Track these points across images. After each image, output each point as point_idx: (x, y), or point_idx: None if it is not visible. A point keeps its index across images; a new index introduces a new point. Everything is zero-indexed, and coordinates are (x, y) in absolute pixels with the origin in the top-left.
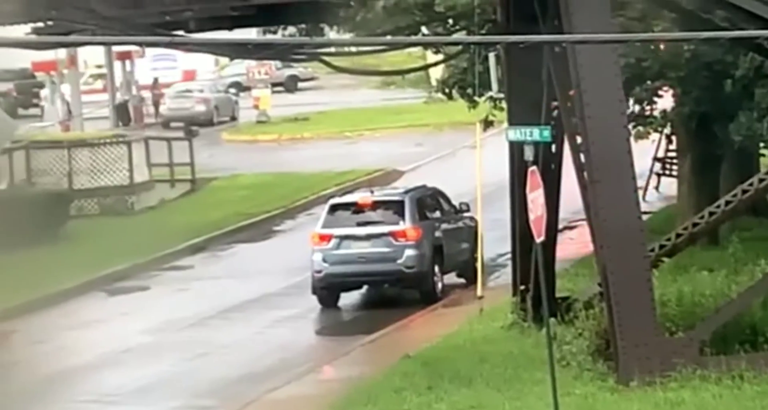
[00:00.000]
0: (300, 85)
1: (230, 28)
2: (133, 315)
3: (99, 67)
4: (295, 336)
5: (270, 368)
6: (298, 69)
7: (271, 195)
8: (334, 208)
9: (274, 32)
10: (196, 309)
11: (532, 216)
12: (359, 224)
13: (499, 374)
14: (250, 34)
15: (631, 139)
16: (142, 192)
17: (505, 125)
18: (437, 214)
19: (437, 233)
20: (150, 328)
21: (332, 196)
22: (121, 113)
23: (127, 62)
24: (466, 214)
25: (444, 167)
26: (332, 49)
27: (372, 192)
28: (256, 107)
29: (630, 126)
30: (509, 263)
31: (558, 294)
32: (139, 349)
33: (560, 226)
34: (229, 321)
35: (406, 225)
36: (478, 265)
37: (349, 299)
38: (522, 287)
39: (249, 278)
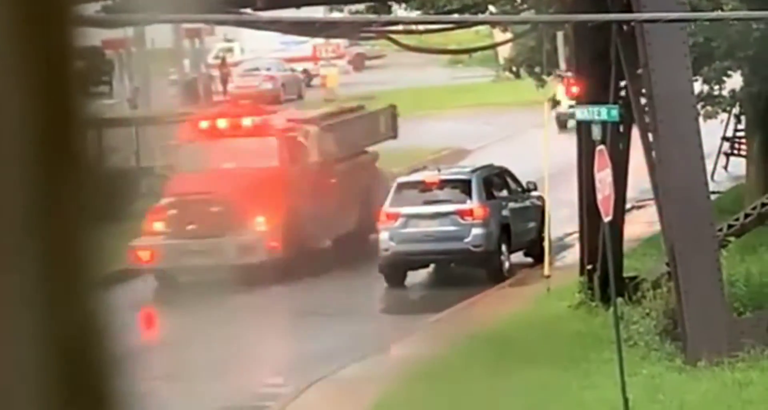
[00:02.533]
0: (367, 63)
1: (297, 7)
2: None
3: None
4: (362, 314)
5: (336, 346)
6: (365, 47)
7: None
8: (401, 187)
9: (341, 10)
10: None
11: (599, 196)
12: (426, 203)
13: (567, 353)
14: (317, 12)
15: (700, 118)
16: None
17: (573, 103)
18: (504, 193)
19: (504, 212)
20: (213, 304)
21: (399, 175)
22: (190, 91)
23: (196, 40)
24: (533, 193)
25: (511, 146)
26: (399, 28)
27: (439, 171)
28: (323, 85)
29: (698, 106)
30: (576, 242)
31: (625, 274)
32: (204, 325)
33: (628, 205)
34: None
35: (473, 204)
36: (546, 244)
37: (415, 277)
38: (589, 267)
39: (314, 257)
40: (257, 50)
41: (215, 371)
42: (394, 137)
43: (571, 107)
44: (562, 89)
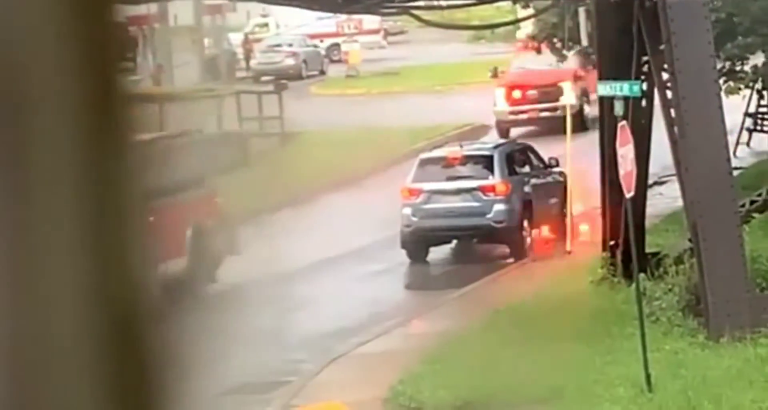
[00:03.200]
0: (389, 39)
1: None
2: (219, 268)
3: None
4: (385, 290)
5: (359, 322)
6: (387, 23)
7: (360, 149)
8: (423, 162)
9: None
10: (284, 263)
11: (621, 171)
12: (448, 179)
13: (589, 329)
14: None
15: (722, 94)
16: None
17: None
18: (526, 169)
19: (526, 188)
20: (237, 282)
21: (421, 150)
22: (211, 67)
23: (218, 17)
24: (555, 169)
25: None
26: (421, 3)
27: (461, 147)
28: (345, 61)
29: (721, 81)
30: (599, 218)
31: (648, 250)
32: (227, 301)
33: (650, 181)
34: (318, 275)
35: (495, 180)
36: (568, 220)
37: (438, 253)
38: (611, 243)
39: (338, 233)
40: (291, 25)
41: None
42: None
43: (511, 113)
44: (501, 93)
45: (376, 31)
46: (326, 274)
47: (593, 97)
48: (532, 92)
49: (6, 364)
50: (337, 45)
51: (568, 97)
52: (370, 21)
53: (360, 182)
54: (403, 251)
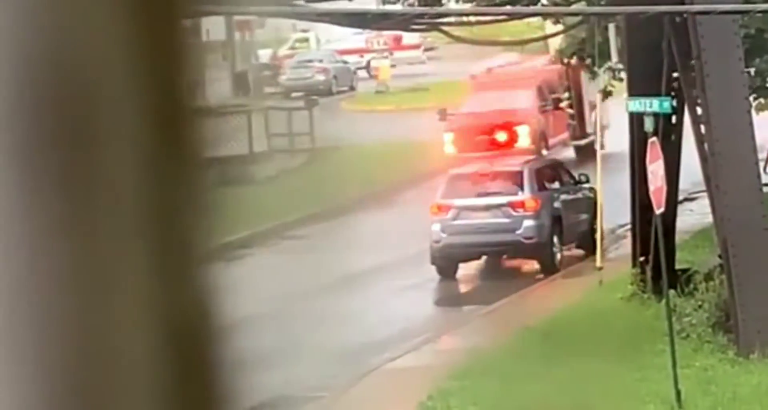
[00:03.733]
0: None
1: None
2: (250, 283)
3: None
4: (414, 305)
5: (389, 337)
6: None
7: (389, 165)
8: (453, 178)
9: (394, 2)
10: (314, 278)
11: (652, 187)
12: (478, 195)
13: (619, 345)
14: (370, 4)
15: (752, 111)
16: (262, 162)
17: (625, 95)
18: (556, 184)
19: (556, 204)
20: (267, 297)
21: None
22: (240, 82)
23: (247, 32)
24: (585, 185)
25: None
26: (451, 19)
27: (491, 163)
28: (375, 77)
29: (751, 98)
30: (629, 234)
31: (678, 266)
32: (257, 318)
33: (680, 197)
34: (347, 291)
35: (525, 196)
36: (598, 236)
37: (467, 269)
38: (642, 259)
39: (368, 248)
40: (332, 40)
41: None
42: None
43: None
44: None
45: (416, 47)
46: (357, 289)
47: (551, 142)
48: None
49: (70, 380)
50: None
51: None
52: (410, 36)
53: (391, 197)
54: (433, 268)
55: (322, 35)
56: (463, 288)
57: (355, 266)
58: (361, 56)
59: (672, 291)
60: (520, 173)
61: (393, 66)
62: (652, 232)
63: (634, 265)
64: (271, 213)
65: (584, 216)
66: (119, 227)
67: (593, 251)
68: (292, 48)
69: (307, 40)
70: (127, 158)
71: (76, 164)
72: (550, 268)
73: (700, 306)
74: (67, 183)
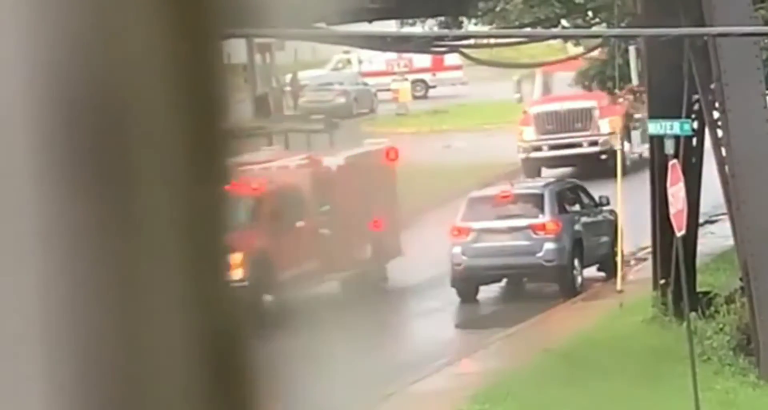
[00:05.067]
0: (438, 76)
1: (370, 21)
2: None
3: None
4: (435, 328)
5: (410, 360)
6: None
7: (409, 188)
8: (473, 201)
9: (413, 24)
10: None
11: (672, 210)
12: (499, 218)
13: (640, 368)
14: (390, 26)
15: None
16: None
17: (646, 118)
18: (577, 207)
19: (577, 227)
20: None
21: (470, 189)
22: (261, 104)
23: (267, 54)
24: (605, 207)
25: None
26: (471, 42)
27: (512, 185)
28: (395, 99)
29: None
30: (649, 257)
31: (699, 289)
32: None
33: (701, 220)
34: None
35: (545, 218)
36: (618, 259)
37: (488, 292)
38: (662, 282)
39: (389, 271)
40: (374, 60)
41: None
42: None
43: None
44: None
45: (458, 67)
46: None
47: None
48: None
49: (106, 385)
50: (423, 81)
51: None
52: (452, 57)
53: (410, 220)
54: (453, 290)
55: (364, 55)
56: (483, 311)
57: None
58: (405, 79)
59: (693, 314)
60: (541, 195)
61: (433, 87)
62: (673, 255)
63: (655, 288)
64: None
65: (605, 239)
66: (154, 243)
67: (614, 274)
68: (335, 68)
69: (349, 60)
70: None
71: (111, 174)
72: (570, 291)
73: (721, 329)
74: (102, 193)
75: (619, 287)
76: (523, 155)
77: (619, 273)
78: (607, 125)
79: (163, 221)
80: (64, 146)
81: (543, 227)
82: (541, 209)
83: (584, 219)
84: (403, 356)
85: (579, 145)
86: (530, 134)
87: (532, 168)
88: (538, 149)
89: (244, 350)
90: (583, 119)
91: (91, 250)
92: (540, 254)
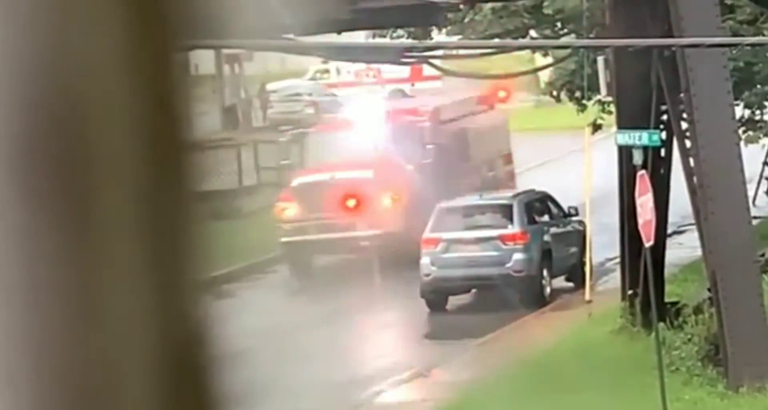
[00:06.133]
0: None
1: (338, 32)
2: (235, 318)
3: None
4: (403, 339)
5: (378, 372)
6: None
7: None
8: (442, 212)
9: (383, 36)
10: (301, 312)
11: (641, 220)
12: (467, 228)
13: (609, 379)
14: (359, 37)
15: (741, 143)
16: (250, 195)
17: (614, 128)
18: (545, 218)
19: (546, 237)
20: (252, 331)
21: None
22: (230, 116)
23: (236, 65)
24: (574, 218)
25: (552, 170)
26: (440, 52)
27: (480, 196)
28: None
29: (740, 130)
30: (618, 267)
31: (667, 299)
32: (240, 352)
33: (669, 230)
34: (335, 325)
35: (514, 229)
36: (587, 269)
37: (456, 302)
38: (631, 292)
39: (356, 282)
40: (353, 71)
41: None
42: None
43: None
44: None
45: (437, 78)
46: (344, 323)
47: None
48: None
49: (63, 387)
50: (401, 91)
51: None
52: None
53: None
54: (422, 301)
55: (342, 67)
56: (452, 321)
57: (343, 300)
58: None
59: (661, 324)
60: (510, 205)
61: (411, 97)
62: (642, 265)
63: (623, 298)
64: (258, 247)
65: (574, 249)
66: (114, 252)
67: (583, 284)
68: (313, 78)
69: (327, 71)
70: (123, 184)
71: (72, 182)
72: (539, 301)
73: (689, 339)
74: (62, 201)
75: (587, 297)
76: (284, 239)
77: (588, 283)
78: (387, 201)
79: (124, 229)
80: (25, 153)
81: (512, 237)
82: (510, 220)
83: (553, 230)
84: (370, 367)
85: (352, 228)
86: (293, 212)
87: (299, 256)
88: (304, 231)
89: (205, 360)
90: (356, 192)
91: (51, 257)
92: (509, 265)
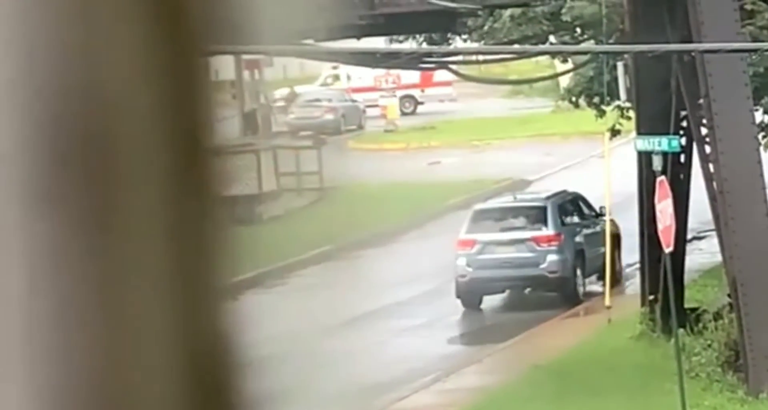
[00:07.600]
0: (426, 92)
1: (358, 37)
2: (256, 323)
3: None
4: (424, 344)
5: (397, 377)
6: None
7: (397, 204)
8: (477, 214)
9: (402, 41)
10: (321, 317)
11: (660, 226)
12: (502, 230)
13: (628, 384)
14: (378, 43)
15: (761, 149)
16: (270, 201)
17: (633, 134)
18: (577, 219)
19: (578, 238)
20: (274, 337)
21: (457, 205)
22: (249, 121)
23: (255, 71)
24: (604, 218)
25: (572, 176)
26: (459, 58)
27: (515, 198)
28: (383, 116)
29: (759, 136)
30: (637, 273)
31: (687, 305)
32: (263, 358)
33: (689, 236)
34: (355, 330)
35: (548, 230)
36: (607, 274)
37: (490, 302)
38: (651, 298)
39: (376, 287)
40: (364, 77)
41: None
42: None
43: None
44: None
45: (447, 83)
46: (367, 328)
47: None
48: None
49: (86, 397)
50: (412, 97)
51: None
52: (441, 73)
53: (397, 237)
54: (444, 305)
55: (353, 72)
56: (473, 326)
57: (363, 305)
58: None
59: (681, 330)
60: (544, 207)
61: (422, 103)
62: (661, 271)
63: (643, 304)
64: (278, 253)
65: (603, 249)
66: (139, 258)
67: (613, 285)
68: (324, 84)
69: (338, 77)
70: (148, 189)
71: (96, 194)
72: (573, 301)
73: (709, 345)
74: (85, 209)
75: (607, 302)
76: None
77: (607, 289)
78: None
79: (149, 235)
80: (47, 159)
81: (546, 238)
82: (544, 222)
83: (585, 230)
84: (390, 372)
85: None
86: None
87: None
88: None
89: (230, 365)
90: None
91: (74, 267)
92: (543, 266)
